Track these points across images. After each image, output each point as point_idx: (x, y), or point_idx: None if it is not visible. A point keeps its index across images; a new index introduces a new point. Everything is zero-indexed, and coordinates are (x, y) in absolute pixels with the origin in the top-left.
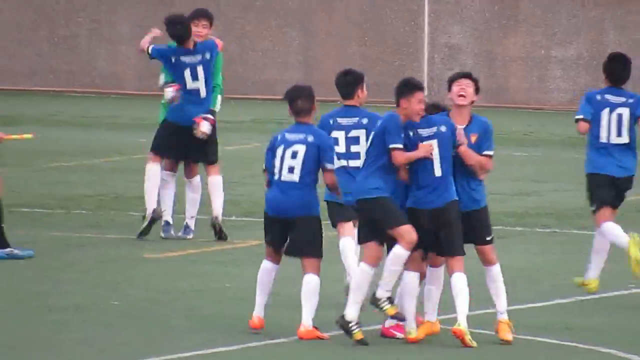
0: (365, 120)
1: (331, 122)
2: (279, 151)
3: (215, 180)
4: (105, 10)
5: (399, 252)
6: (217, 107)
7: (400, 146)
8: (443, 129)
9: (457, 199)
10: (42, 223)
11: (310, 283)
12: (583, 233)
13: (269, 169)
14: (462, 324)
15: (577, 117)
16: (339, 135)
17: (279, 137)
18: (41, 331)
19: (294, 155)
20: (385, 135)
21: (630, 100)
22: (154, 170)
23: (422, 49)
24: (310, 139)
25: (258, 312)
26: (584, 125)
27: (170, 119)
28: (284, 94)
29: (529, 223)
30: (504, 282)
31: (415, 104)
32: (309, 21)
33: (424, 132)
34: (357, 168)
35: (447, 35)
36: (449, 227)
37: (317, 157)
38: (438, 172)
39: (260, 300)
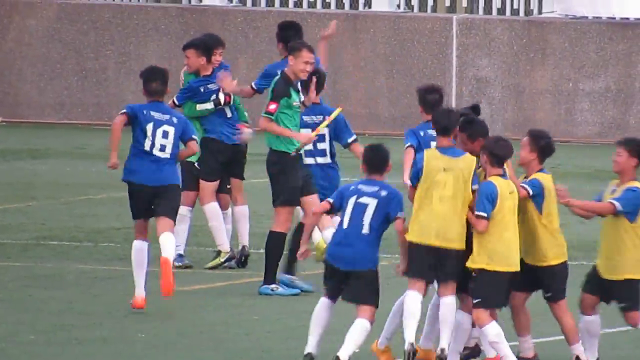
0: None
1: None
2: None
3: (243, 210)
4: (134, 43)
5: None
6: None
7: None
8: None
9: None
10: (70, 256)
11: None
12: None
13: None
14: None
15: None
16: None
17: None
18: None
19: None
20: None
21: None
22: (212, 207)
23: (451, 82)
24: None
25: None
26: None
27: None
28: (140, 73)
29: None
30: (533, 314)
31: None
32: (337, 53)
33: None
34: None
35: (475, 68)
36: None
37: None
38: None
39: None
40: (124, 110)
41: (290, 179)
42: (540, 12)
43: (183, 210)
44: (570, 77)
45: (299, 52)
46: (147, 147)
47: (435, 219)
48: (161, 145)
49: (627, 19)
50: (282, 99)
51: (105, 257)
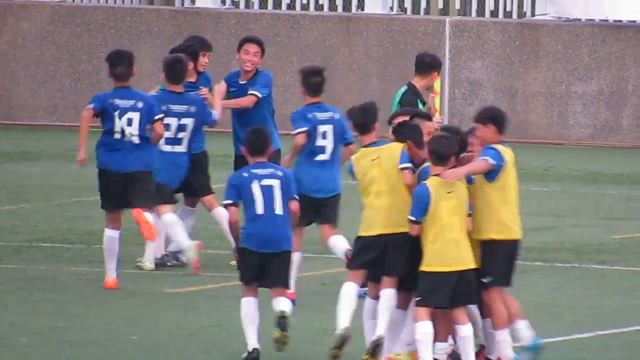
0: None
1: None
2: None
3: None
4: (127, 45)
5: None
6: None
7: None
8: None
9: None
10: (62, 258)
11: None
12: (603, 268)
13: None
14: None
15: None
16: None
17: (244, 175)
18: None
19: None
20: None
21: None
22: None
23: (443, 84)
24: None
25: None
26: None
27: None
28: (106, 56)
29: (549, 258)
30: (525, 316)
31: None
32: (330, 56)
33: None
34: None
35: (467, 70)
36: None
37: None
38: None
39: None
40: (91, 105)
41: None
42: (533, 15)
43: (186, 210)
44: (563, 79)
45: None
46: (116, 136)
47: (379, 212)
48: (129, 132)
49: (620, 21)
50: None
51: (97, 259)
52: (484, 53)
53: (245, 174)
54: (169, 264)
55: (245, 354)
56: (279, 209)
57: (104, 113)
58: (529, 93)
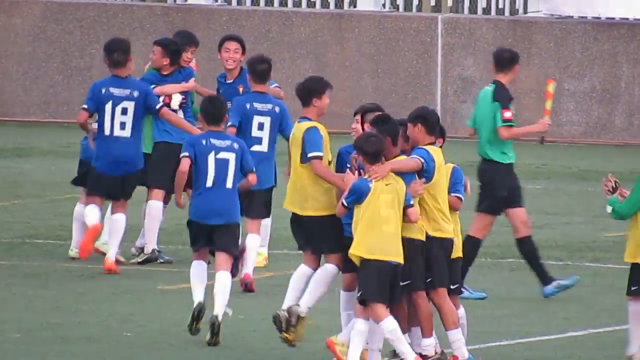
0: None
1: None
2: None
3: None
4: None
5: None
6: None
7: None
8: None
9: None
10: (55, 254)
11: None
12: (595, 266)
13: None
14: None
15: None
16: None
17: (203, 142)
18: None
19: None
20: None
21: None
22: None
23: (436, 81)
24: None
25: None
26: None
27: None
28: (104, 46)
29: (542, 256)
30: (518, 314)
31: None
32: (322, 53)
33: None
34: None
35: (460, 67)
36: None
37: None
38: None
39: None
40: (85, 106)
41: (496, 188)
42: (525, 12)
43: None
44: (555, 76)
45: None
46: (106, 130)
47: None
48: (120, 122)
49: (613, 18)
50: (510, 104)
51: (90, 255)
52: (476, 50)
53: (204, 142)
54: (160, 260)
55: (193, 308)
56: (229, 183)
57: (99, 107)
58: (522, 90)
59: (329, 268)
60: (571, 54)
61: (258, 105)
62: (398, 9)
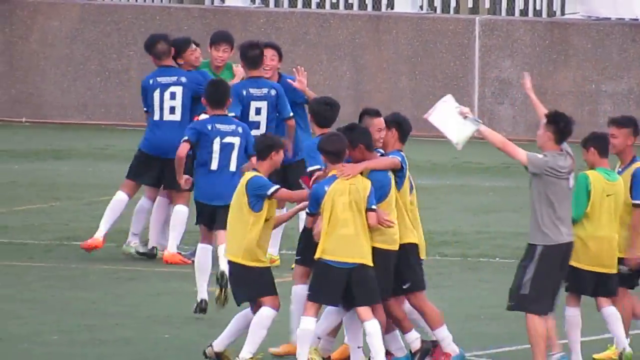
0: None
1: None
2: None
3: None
4: None
5: None
6: None
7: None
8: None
9: None
10: (92, 256)
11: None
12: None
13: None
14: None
15: None
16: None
17: (208, 127)
18: None
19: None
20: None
21: None
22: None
23: (473, 83)
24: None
25: None
26: None
27: None
28: (144, 44)
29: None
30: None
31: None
32: (360, 55)
33: None
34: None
35: (497, 69)
36: None
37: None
38: None
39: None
40: (145, 109)
41: None
42: (562, 14)
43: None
44: (593, 78)
45: None
46: (156, 116)
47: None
48: (170, 107)
49: None
50: None
51: (127, 257)
52: (513, 52)
53: (209, 127)
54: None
55: (195, 305)
56: (232, 167)
57: (148, 98)
58: (559, 92)
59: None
60: (609, 55)
61: (254, 91)
62: (435, 10)
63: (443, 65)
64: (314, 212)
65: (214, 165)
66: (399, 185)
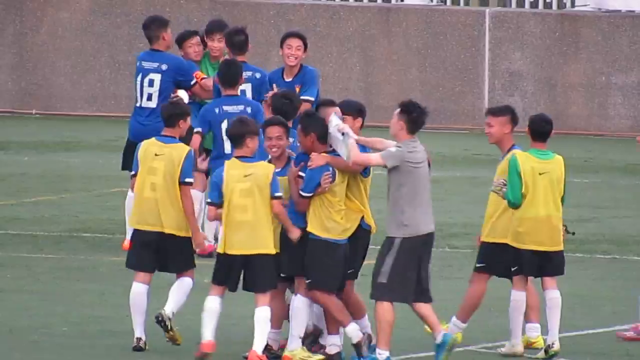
0: None
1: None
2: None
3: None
4: None
5: None
6: None
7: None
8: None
9: None
10: (102, 248)
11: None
12: None
13: None
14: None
15: None
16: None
17: (216, 110)
18: (101, 356)
19: None
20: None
21: None
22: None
23: (483, 75)
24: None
25: None
26: None
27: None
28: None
29: (589, 249)
30: (564, 308)
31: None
32: (369, 47)
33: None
34: None
35: (507, 61)
36: None
37: None
38: None
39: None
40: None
41: None
42: (573, 6)
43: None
44: (603, 70)
45: None
46: (137, 102)
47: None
48: (148, 94)
49: None
50: None
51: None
52: (523, 44)
53: (217, 110)
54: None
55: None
56: None
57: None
58: (569, 84)
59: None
60: (619, 47)
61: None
62: (445, 2)
63: (453, 58)
64: (215, 202)
65: (228, 148)
66: (364, 173)
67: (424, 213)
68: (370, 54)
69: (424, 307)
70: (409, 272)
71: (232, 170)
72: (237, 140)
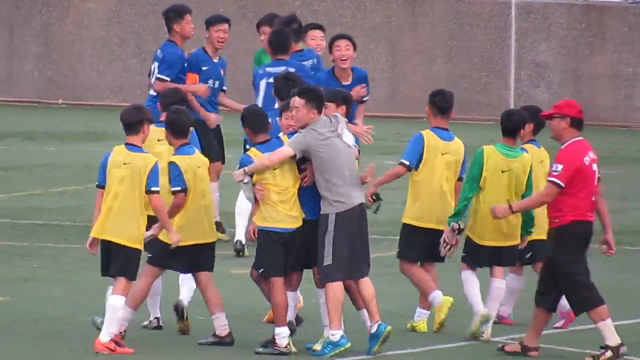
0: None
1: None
2: None
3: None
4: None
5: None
6: None
7: None
8: None
9: None
10: None
11: None
12: None
13: None
14: None
15: None
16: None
17: (260, 72)
18: (125, 345)
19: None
20: None
21: None
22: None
23: (509, 66)
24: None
25: None
26: None
27: None
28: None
29: (614, 241)
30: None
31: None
32: (395, 38)
33: None
34: None
35: (534, 52)
36: None
37: None
38: None
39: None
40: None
41: None
42: None
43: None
44: (629, 61)
45: None
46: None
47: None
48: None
49: None
50: None
51: None
52: (549, 35)
53: (260, 71)
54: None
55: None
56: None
57: None
58: (595, 75)
59: None
60: None
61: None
62: None
63: (479, 48)
64: (100, 184)
65: (260, 102)
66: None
67: (349, 186)
68: (396, 45)
69: (368, 290)
70: (348, 246)
71: (117, 156)
72: (132, 126)
